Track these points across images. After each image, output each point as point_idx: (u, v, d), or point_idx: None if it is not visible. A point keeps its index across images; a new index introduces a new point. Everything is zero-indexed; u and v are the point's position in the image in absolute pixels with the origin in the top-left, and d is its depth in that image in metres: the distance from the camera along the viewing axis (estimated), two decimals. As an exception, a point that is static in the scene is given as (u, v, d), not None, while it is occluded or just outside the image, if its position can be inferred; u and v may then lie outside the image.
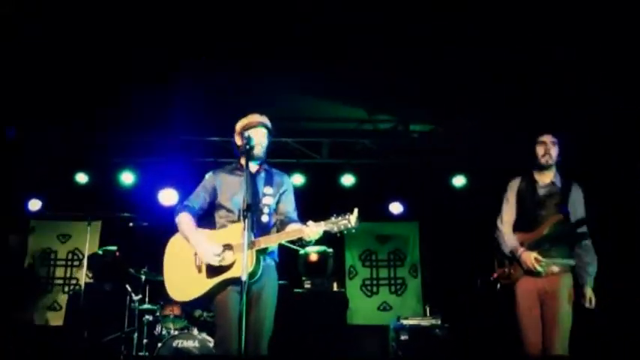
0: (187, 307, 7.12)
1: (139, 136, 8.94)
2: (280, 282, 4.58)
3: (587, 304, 4.88)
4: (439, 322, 8.17)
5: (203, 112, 8.27)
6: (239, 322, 3.79)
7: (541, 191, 5.03)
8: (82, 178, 9.24)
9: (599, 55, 6.61)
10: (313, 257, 8.85)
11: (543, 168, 5.04)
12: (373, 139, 9.39)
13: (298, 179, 9.13)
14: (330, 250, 8.87)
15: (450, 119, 8.91)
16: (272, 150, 4.74)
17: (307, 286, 8.78)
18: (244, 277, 3.82)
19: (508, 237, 5.04)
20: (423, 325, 8.18)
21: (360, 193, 9.38)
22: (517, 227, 5.08)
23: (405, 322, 8.23)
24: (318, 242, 4.25)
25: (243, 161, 4.45)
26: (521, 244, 4.92)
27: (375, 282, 10.17)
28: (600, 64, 6.76)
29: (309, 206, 5.37)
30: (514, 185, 5.20)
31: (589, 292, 4.88)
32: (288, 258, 7.85)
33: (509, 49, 6.70)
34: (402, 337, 8.09)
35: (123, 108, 8.12)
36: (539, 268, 4.78)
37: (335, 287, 9.00)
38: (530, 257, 4.81)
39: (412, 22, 6.41)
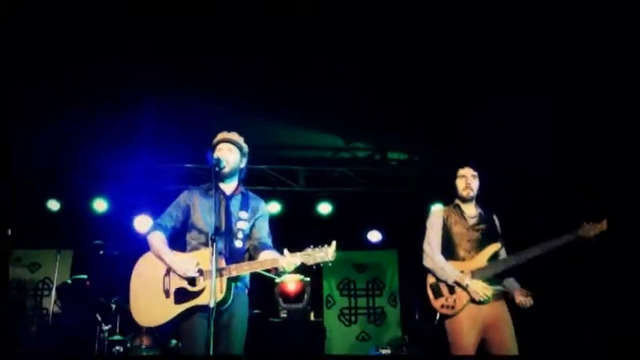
0: (155, 333, 6.92)
1: (113, 163, 8.77)
2: (256, 311, 4.46)
3: (529, 303, 4.86)
4: (419, 351, 8.06)
5: (177, 138, 8.18)
6: (206, 349, 3.63)
7: (471, 221, 5.08)
8: (54, 205, 9.05)
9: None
10: (290, 286, 8.74)
11: (466, 200, 5.11)
12: (350, 167, 9.35)
13: (275, 207, 9.08)
14: (307, 279, 8.77)
15: (427, 148, 8.90)
16: (248, 177, 4.67)
17: (283, 315, 8.63)
18: (212, 304, 3.68)
19: (447, 266, 4.94)
20: (401, 355, 8.05)
21: (338, 222, 9.37)
22: (445, 256, 5.01)
23: (383, 351, 8.15)
24: (294, 270, 4.12)
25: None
26: (461, 273, 4.87)
27: (353, 311, 10.09)
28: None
29: (286, 235, 5.28)
30: (439, 213, 5.22)
31: (524, 291, 4.90)
32: (264, 286, 7.73)
33: (481, 79, 6.72)
34: (381, 367, 8.00)
35: (96, 134, 8.00)
36: (490, 296, 4.75)
37: (312, 317, 8.88)
38: (480, 286, 4.77)
39: (388, 53, 6.41)
